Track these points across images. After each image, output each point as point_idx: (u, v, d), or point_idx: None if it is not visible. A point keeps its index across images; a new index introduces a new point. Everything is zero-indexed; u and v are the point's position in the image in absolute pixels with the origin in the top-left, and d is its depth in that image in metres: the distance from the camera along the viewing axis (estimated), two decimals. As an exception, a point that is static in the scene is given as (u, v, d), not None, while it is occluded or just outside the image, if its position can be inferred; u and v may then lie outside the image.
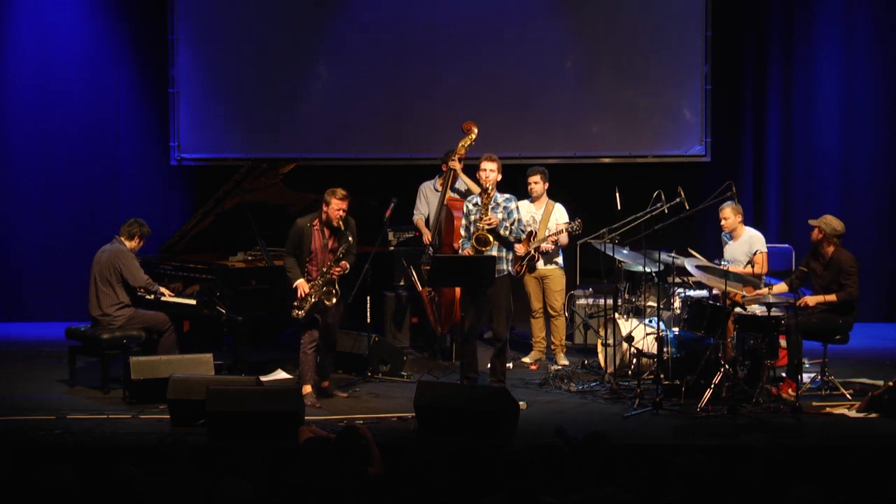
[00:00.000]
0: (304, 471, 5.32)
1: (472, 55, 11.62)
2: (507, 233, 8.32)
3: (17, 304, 11.94)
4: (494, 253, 8.28)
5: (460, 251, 8.49)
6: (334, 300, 8.11)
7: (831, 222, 8.43)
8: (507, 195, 8.44)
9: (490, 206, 8.30)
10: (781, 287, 8.55)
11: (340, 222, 8.07)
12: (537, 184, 9.54)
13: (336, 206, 8.05)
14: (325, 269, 8.08)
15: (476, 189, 9.30)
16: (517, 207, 8.44)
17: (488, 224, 8.23)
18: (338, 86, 11.80)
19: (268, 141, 11.76)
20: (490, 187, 8.32)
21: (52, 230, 11.94)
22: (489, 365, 8.44)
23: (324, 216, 8.12)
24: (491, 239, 8.25)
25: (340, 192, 8.09)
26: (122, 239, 8.83)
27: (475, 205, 8.40)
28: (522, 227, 8.51)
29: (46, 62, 11.85)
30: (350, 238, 8.08)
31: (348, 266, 8.13)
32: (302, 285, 8.09)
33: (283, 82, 11.80)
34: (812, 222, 8.53)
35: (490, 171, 8.34)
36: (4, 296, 11.93)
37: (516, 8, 11.64)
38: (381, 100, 11.79)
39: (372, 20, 11.75)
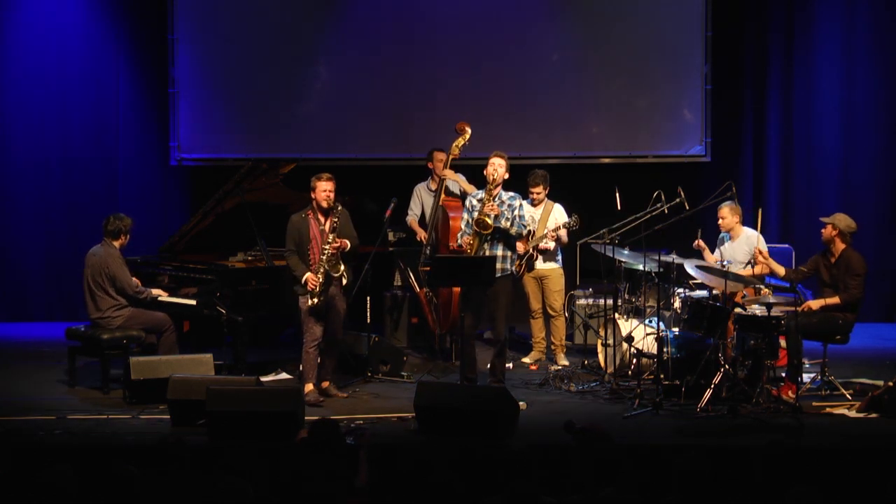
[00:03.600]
0: (295, 470, 5.32)
1: (472, 55, 11.62)
2: (509, 224, 8.24)
3: (17, 304, 11.94)
4: (498, 252, 8.28)
5: (459, 239, 8.47)
6: (342, 268, 8.17)
7: (844, 219, 8.43)
8: (511, 193, 8.42)
9: (495, 198, 8.29)
10: (779, 269, 8.54)
11: (330, 202, 8.15)
12: (539, 194, 9.51)
13: (322, 188, 8.18)
14: (325, 247, 8.12)
15: (471, 188, 9.29)
16: (521, 205, 8.41)
17: (490, 209, 8.21)
18: (338, 86, 11.80)
19: (268, 141, 11.75)
20: (493, 181, 8.26)
21: (52, 230, 11.93)
22: (489, 365, 8.43)
23: (314, 203, 8.22)
24: (490, 223, 8.18)
25: (325, 175, 8.23)
26: (110, 241, 8.76)
27: (479, 200, 8.37)
28: (524, 223, 8.48)
29: (46, 62, 11.84)
30: (339, 207, 8.14)
31: (348, 244, 8.18)
32: (311, 279, 8.12)
33: (283, 82, 11.80)
34: (824, 219, 8.53)
35: (499, 166, 8.32)
36: (4, 296, 11.93)
37: (516, 8, 11.64)
38: (381, 100, 11.78)
39: (372, 20, 11.75)
